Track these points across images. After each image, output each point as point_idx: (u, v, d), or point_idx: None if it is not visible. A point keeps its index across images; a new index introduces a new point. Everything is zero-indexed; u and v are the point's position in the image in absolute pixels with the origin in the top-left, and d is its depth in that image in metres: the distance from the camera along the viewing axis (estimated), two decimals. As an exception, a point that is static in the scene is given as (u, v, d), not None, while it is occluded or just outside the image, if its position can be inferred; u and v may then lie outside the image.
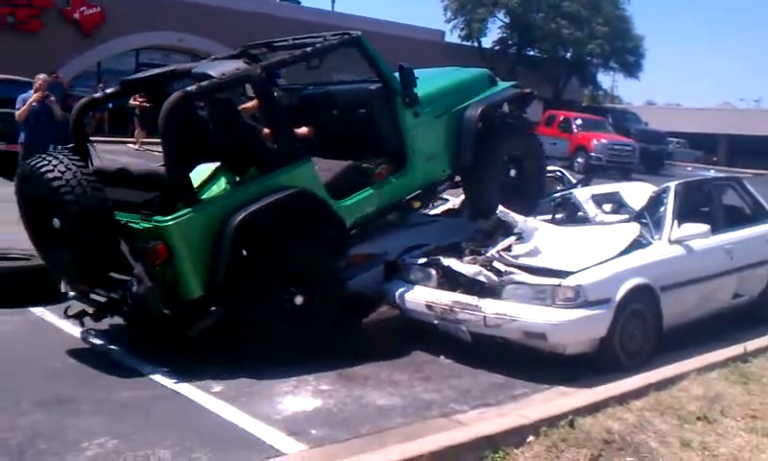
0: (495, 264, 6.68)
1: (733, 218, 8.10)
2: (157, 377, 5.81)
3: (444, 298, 6.62)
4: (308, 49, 7.06)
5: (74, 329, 6.56)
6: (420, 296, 6.80)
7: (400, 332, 6.98)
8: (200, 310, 6.08)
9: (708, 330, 7.30)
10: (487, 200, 7.69)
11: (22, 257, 7.88)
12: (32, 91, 12.21)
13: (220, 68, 6.54)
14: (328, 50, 7.10)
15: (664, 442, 4.96)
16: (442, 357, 6.59)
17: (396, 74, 7.26)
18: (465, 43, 38.30)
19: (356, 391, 5.77)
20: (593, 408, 5.33)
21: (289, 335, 6.27)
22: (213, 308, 6.20)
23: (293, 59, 7.02)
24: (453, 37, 38.02)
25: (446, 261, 6.86)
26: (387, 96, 7.23)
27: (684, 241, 7.02)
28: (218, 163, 6.67)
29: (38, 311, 7.29)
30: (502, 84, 8.55)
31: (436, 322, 6.66)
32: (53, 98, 12.55)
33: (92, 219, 5.80)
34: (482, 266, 6.67)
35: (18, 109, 12.10)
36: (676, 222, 7.10)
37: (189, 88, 6.21)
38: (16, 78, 16.77)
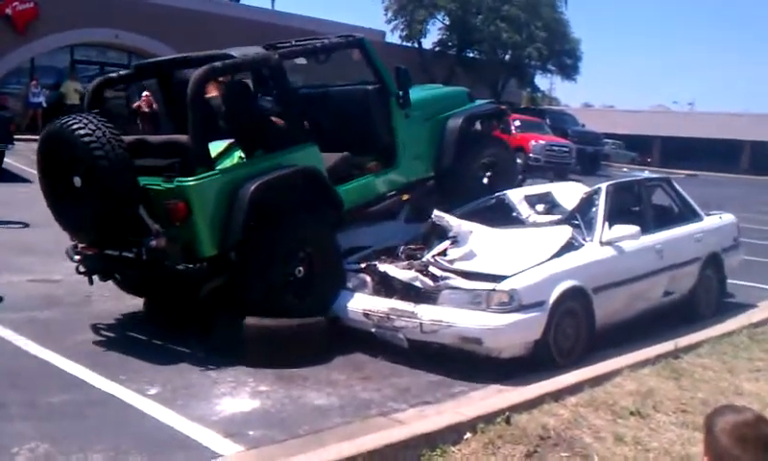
0: (431, 269, 6.72)
1: (663, 218, 8.31)
2: (92, 380, 5.72)
3: (381, 305, 6.63)
4: (317, 44, 7.84)
5: (5, 332, 6.40)
6: (358, 303, 6.80)
7: (339, 332, 6.96)
8: (210, 272, 6.43)
9: (641, 328, 7.46)
10: (461, 200, 8.12)
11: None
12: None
13: (242, 51, 7.12)
14: (335, 47, 7.92)
15: (598, 437, 5.04)
16: (380, 357, 6.60)
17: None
18: (405, 44, 38.39)
19: (295, 391, 5.76)
20: (529, 405, 5.40)
21: (291, 305, 6.65)
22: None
23: (305, 51, 7.88)
24: (394, 38, 38.10)
25: (382, 267, 6.88)
26: (382, 96, 7.92)
27: (614, 242, 7.15)
28: (230, 141, 7.23)
29: (-31, 314, 7.10)
30: (479, 101, 9.52)
31: (374, 330, 6.66)
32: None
33: (118, 176, 6.20)
34: (418, 271, 6.71)
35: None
36: (607, 223, 7.22)
37: (215, 64, 6.77)
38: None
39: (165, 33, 27.24)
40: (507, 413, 5.18)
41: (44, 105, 24.07)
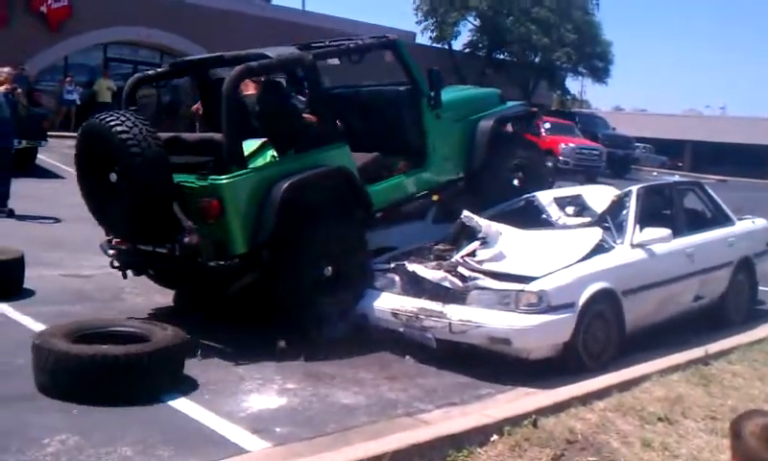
0: (460, 269, 6.71)
1: (695, 222, 8.24)
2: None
3: (410, 305, 6.64)
4: (351, 45, 7.82)
5: (36, 325, 6.48)
6: (386, 303, 6.82)
7: (368, 332, 6.97)
8: (240, 269, 6.50)
9: (671, 333, 7.40)
10: (491, 202, 8.13)
11: (-16, 252, 7.81)
12: (-4, 84, 12.01)
13: (276, 51, 7.18)
14: (368, 48, 7.95)
15: (626, 442, 5.02)
16: (408, 357, 6.61)
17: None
18: (435, 45, 38.37)
19: (322, 389, 5.78)
20: (556, 408, 5.38)
21: (320, 305, 6.74)
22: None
23: (338, 52, 7.85)
24: (424, 39, 38.10)
25: (411, 267, 6.89)
26: (414, 97, 7.95)
27: (645, 245, 7.11)
28: (263, 140, 7.22)
29: (1, 307, 7.19)
30: (510, 103, 9.50)
31: (402, 329, 6.67)
32: (19, 90, 12.39)
33: (154, 172, 6.29)
34: (447, 272, 6.70)
35: (-17, 102, 11.89)
36: (638, 226, 7.19)
37: (251, 63, 6.85)
38: (-20, 71, 16.51)
39: (196, 32, 27.43)
40: (534, 416, 5.16)
41: (78, 102, 24.35)
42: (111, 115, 6.49)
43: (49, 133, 17.27)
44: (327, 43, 8.16)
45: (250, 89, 7.64)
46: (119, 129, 6.30)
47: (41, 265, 8.62)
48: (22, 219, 11.88)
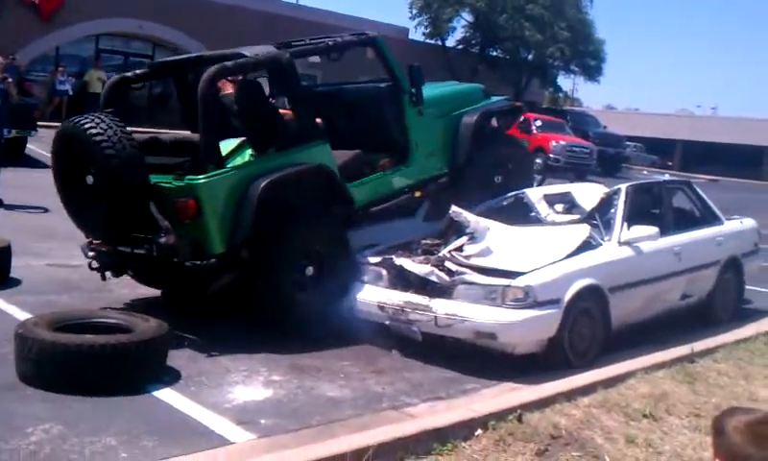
0: (447, 264, 6.72)
1: (683, 221, 8.26)
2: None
3: (396, 298, 6.65)
4: (330, 43, 7.81)
5: (22, 314, 6.46)
6: (372, 296, 6.82)
7: (354, 325, 6.98)
8: (218, 269, 6.50)
9: (657, 331, 7.43)
10: (475, 199, 8.04)
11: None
12: (-14, 74, 11.97)
13: (253, 50, 7.17)
14: (348, 45, 7.94)
15: (610, 438, 5.03)
16: (394, 351, 6.62)
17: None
18: (429, 41, 38.37)
19: (308, 382, 5.78)
20: (541, 403, 5.38)
21: (301, 304, 6.75)
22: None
23: (317, 50, 7.91)
24: (417, 35, 38.11)
25: (399, 261, 6.89)
26: (395, 93, 7.92)
27: (633, 243, 7.13)
28: (242, 139, 7.27)
29: (-14, 296, 7.17)
30: (494, 98, 9.42)
31: (388, 322, 6.68)
32: (10, 79, 12.34)
33: (129, 173, 6.29)
34: (434, 266, 6.71)
35: (-27, 91, 11.86)
36: (626, 224, 7.21)
37: (225, 63, 6.83)
38: (-29, 60, 16.43)
39: (188, 24, 27.39)
40: (519, 411, 5.17)
41: (70, 92, 24.26)
42: (86, 118, 6.49)
43: (39, 123, 17.24)
44: (307, 41, 8.12)
45: (228, 89, 7.60)
46: (94, 131, 6.31)
47: (29, 255, 8.60)
48: (10, 208, 11.86)
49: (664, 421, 5.39)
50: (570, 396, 5.60)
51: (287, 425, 4.94)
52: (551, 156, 26.95)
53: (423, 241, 7.45)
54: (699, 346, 7.05)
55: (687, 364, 6.62)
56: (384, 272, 6.93)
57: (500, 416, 5.10)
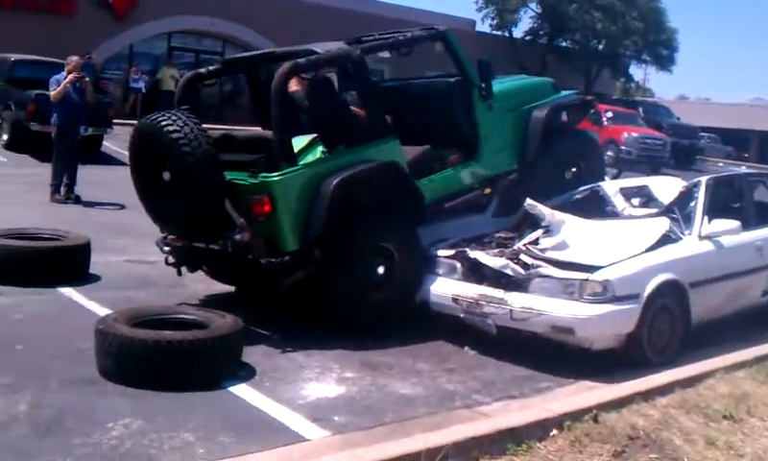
0: (522, 257, 6.66)
1: (765, 215, 8.01)
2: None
3: (471, 291, 6.61)
4: (400, 38, 7.76)
5: (102, 310, 6.62)
6: (446, 289, 6.80)
7: (426, 320, 6.98)
8: (291, 266, 6.52)
9: (737, 328, 7.24)
10: (545, 195, 7.89)
11: (52, 237, 7.99)
12: (65, 73, 12.28)
13: (324, 46, 7.21)
14: (417, 41, 7.82)
15: (689, 440, 4.93)
16: (466, 348, 6.59)
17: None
18: (496, 33, 38.08)
19: (380, 379, 5.78)
20: (618, 403, 5.30)
21: (372, 301, 6.76)
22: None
23: (387, 45, 7.84)
24: (484, 27, 37.85)
25: (473, 254, 6.85)
26: (465, 88, 7.85)
27: (714, 237, 6.96)
28: (313, 136, 7.29)
29: (67, 291, 7.36)
30: (564, 92, 9.25)
31: (462, 315, 6.65)
32: (87, 79, 12.65)
33: (205, 171, 6.38)
34: (509, 259, 6.65)
35: (52, 90, 12.19)
36: (706, 217, 7.04)
37: (298, 60, 6.86)
38: (49, 60, 16.91)
39: (259, 22, 27.71)
40: (595, 411, 5.10)
41: (143, 90, 24.81)
42: (163, 115, 6.59)
43: (114, 121, 17.66)
44: (377, 36, 8.11)
45: (293, 86, 7.62)
46: (170, 128, 6.39)
47: (107, 251, 8.80)
48: (88, 205, 12.18)
49: (745, 422, 5.27)
50: (648, 396, 5.50)
51: (361, 423, 4.95)
52: (623, 148, 26.49)
53: (497, 234, 7.39)
54: (781, 344, 6.85)
55: (769, 363, 6.45)
56: (458, 264, 6.89)
57: (576, 416, 5.03)
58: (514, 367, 6.23)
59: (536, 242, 6.90)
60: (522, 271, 6.48)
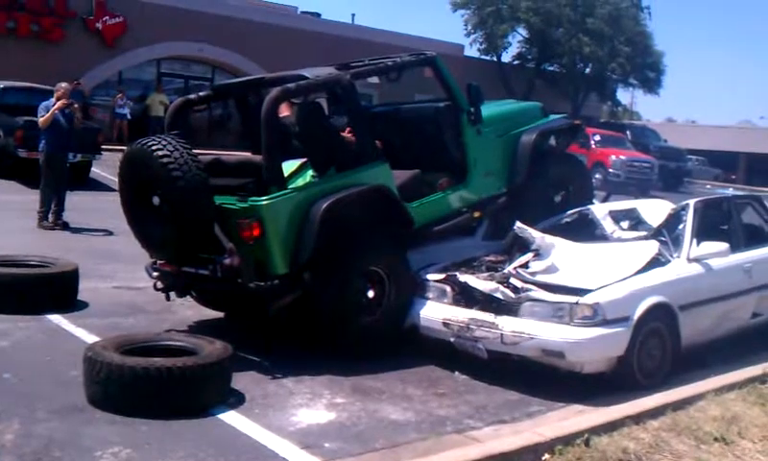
0: (512, 281, 6.66)
1: (753, 237, 8.05)
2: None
3: (461, 315, 6.60)
4: (389, 63, 7.86)
5: (90, 337, 6.57)
6: (437, 313, 6.79)
7: (415, 346, 6.95)
8: (281, 290, 6.49)
9: (727, 350, 7.24)
10: (534, 218, 7.90)
11: (40, 264, 7.94)
12: (53, 99, 12.28)
13: (314, 72, 7.25)
14: (406, 66, 7.96)
15: (681, 463, 4.92)
16: (457, 373, 6.57)
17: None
18: (484, 57, 38.34)
19: (371, 405, 5.76)
20: (609, 427, 5.28)
21: (362, 325, 6.76)
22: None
23: (376, 70, 7.92)
24: (473, 51, 38.11)
25: (463, 278, 6.85)
26: (454, 113, 7.89)
27: (703, 259, 6.99)
28: (303, 160, 7.39)
29: (55, 318, 7.31)
30: (553, 116, 9.34)
31: (452, 339, 6.64)
32: (76, 105, 12.63)
33: (195, 195, 6.36)
34: (499, 283, 6.65)
35: (41, 116, 12.17)
36: (695, 240, 7.07)
37: (288, 85, 6.90)
38: (37, 86, 16.91)
39: (248, 47, 27.83)
40: (586, 435, 5.09)
41: (128, 117, 24.80)
42: (153, 140, 6.59)
43: (103, 147, 17.64)
44: (367, 62, 8.14)
45: (284, 111, 7.65)
46: (161, 153, 6.37)
47: (95, 277, 8.76)
48: (77, 232, 12.13)
49: (736, 444, 5.27)
50: (639, 419, 5.49)
51: (351, 449, 4.92)
52: (611, 171, 26.66)
53: (487, 258, 7.39)
54: (771, 366, 6.85)
55: (759, 385, 6.47)
56: (448, 288, 6.89)
57: (567, 440, 5.02)
58: (504, 391, 6.21)
59: (526, 265, 6.90)
60: (513, 294, 6.49)
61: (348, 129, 7.47)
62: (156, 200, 6.53)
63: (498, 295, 6.51)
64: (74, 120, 12.49)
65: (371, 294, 6.91)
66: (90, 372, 5.26)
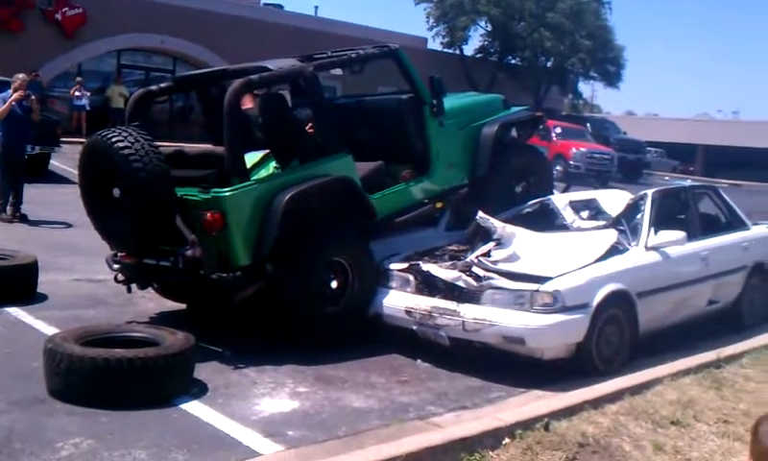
0: (474, 269, 6.73)
1: (709, 226, 8.21)
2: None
3: (423, 303, 6.66)
4: (352, 55, 7.82)
5: (50, 329, 6.52)
6: (399, 301, 6.84)
7: (378, 335, 7.00)
8: (243, 281, 6.48)
9: (683, 337, 7.38)
10: (496, 209, 7.97)
11: (-1, 257, 7.85)
12: (10, 91, 12.09)
13: (277, 63, 7.24)
14: (369, 58, 7.93)
15: (638, 446, 5.00)
16: (419, 361, 6.62)
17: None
18: (447, 51, 38.43)
19: (334, 393, 5.79)
20: (569, 412, 5.36)
21: (325, 315, 6.78)
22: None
23: (339, 62, 7.89)
24: (435, 44, 38.19)
25: (425, 266, 6.90)
26: (416, 105, 7.92)
27: (660, 248, 7.11)
28: (265, 151, 7.40)
29: (14, 311, 7.23)
30: (515, 108, 9.44)
31: (414, 327, 6.69)
32: (33, 97, 12.46)
33: (156, 187, 6.32)
34: (461, 271, 6.71)
35: (-3, 108, 11.98)
36: (653, 229, 7.19)
37: (251, 77, 6.86)
38: (-5, 77, 16.62)
39: (210, 39, 27.59)
40: (546, 419, 5.15)
41: (87, 108, 24.47)
42: (113, 131, 6.54)
43: (62, 139, 17.41)
44: (330, 54, 8.14)
45: (246, 103, 7.64)
46: (121, 145, 6.33)
47: (54, 270, 8.67)
48: (35, 224, 11.99)
49: (692, 427, 5.36)
50: (597, 403, 5.57)
51: (314, 437, 4.94)
52: (572, 162, 26.93)
53: (450, 247, 7.45)
54: (726, 351, 6.99)
55: (714, 370, 6.58)
56: (411, 277, 6.94)
57: (527, 425, 5.08)
58: (465, 378, 6.28)
59: (487, 254, 6.98)
60: (474, 283, 6.55)
61: (310, 123, 7.47)
62: (116, 192, 6.48)
63: (460, 283, 6.58)
64: (32, 112, 12.32)
65: (334, 284, 6.93)
66: (51, 363, 5.22)
